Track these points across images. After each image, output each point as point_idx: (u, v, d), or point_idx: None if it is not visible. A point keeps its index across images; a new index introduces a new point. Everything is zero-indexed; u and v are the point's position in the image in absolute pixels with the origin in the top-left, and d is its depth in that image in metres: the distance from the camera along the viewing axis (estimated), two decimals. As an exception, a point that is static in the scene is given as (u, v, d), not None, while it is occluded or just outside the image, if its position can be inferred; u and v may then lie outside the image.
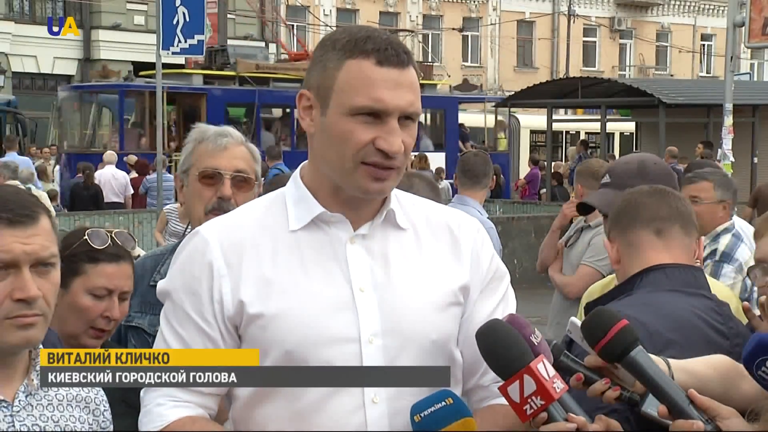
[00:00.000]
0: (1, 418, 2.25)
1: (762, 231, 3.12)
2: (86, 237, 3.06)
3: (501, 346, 2.12)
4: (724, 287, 3.77)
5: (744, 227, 5.43)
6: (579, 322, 2.31)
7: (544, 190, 23.61)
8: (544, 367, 2.10)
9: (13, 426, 2.26)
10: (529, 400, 2.08)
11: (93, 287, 3.06)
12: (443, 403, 2.13)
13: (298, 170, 2.36)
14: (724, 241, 5.10)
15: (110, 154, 20.72)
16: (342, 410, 2.20)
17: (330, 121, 2.21)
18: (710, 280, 3.78)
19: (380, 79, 2.17)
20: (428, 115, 27.26)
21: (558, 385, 2.10)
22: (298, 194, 2.31)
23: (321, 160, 2.27)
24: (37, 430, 2.30)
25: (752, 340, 2.23)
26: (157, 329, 3.03)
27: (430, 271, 2.30)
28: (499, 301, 2.38)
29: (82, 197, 17.81)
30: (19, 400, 2.29)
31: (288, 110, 25.07)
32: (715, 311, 2.77)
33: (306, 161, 2.37)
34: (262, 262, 2.25)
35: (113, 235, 3.15)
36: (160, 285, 2.37)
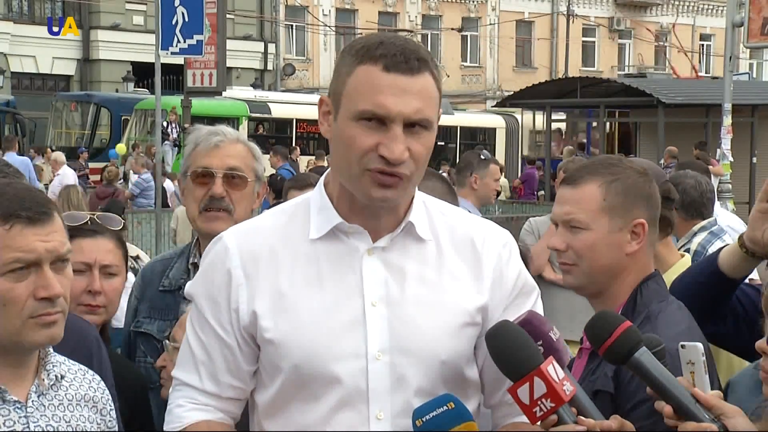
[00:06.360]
0: (16, 419, 2.25)
1: None
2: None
3: (511, 348, 2.11)
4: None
5: (733, 224, 5.38)
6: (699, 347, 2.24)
7: (542, 192, 23.59)
8: (554, 369, 2.09)
9: (28, 427, 2.26)
10: (539, 403, 2.07)
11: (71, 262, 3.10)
12: (445, 407, 2.12)
13: (324, 176, 2.35)
14: (698, 239, 5.02)
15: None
16: (346, 426, 2.20)
17: (339, 126, 2.21)
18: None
19: (385, 85, 2.15)
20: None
21: (568, 387, 2.09)
22: (321, 202, 2.30)
23: (334, 166, 2.28)
24: (51, 430, 2.29)
25: None
26: (166, 335, 3.03)
27: (447, 290, 2.27)
28: None
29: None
30: (32, 401, 2.29)
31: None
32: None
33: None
34: (280, 273, 2.25)
35: (95, 217, 3.16)
36: (187, 287, 2.40)
